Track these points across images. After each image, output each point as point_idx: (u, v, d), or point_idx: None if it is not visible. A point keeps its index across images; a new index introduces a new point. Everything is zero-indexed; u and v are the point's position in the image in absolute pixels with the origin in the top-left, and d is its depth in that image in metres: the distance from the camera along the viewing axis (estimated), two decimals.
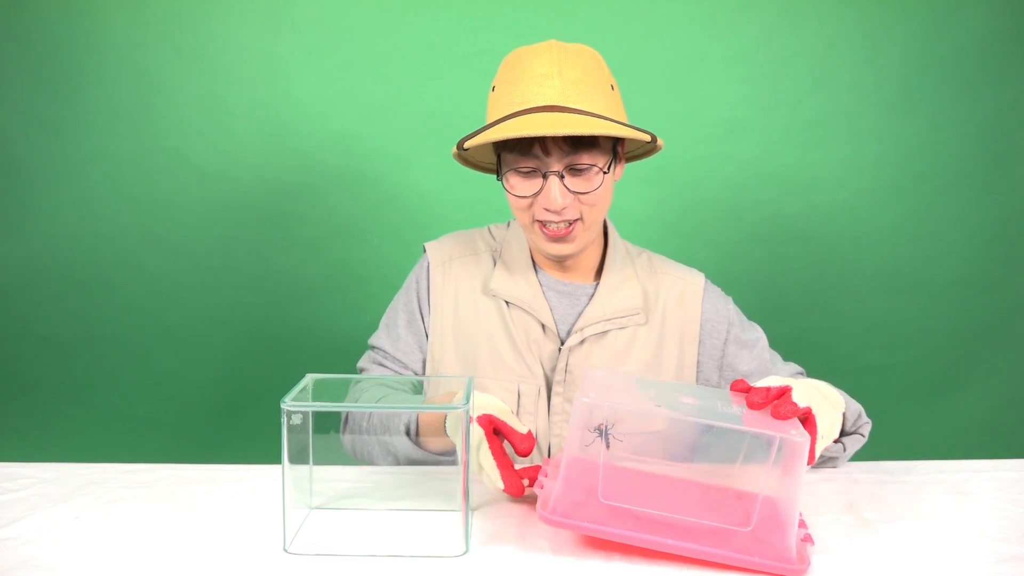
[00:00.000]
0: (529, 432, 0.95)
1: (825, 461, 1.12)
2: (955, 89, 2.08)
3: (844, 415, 1.08)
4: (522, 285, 1.24)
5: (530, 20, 2.05)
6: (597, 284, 1.27)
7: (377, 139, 2.08)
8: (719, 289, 1.31)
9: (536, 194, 1.13)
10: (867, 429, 1.15)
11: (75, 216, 2.08)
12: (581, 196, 1.13)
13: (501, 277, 1.25)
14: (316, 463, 1.11)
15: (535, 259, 1.27)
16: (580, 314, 1.24)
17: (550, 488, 0.87)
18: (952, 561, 0.85)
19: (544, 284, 1.26)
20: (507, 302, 1.24)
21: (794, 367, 1.30)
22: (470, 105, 2.00)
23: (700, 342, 1.27)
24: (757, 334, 1.29)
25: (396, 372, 1.27)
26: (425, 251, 1.32)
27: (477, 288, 1.27)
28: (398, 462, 1.14)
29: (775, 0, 2.06)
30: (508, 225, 1.34)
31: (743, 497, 0.88)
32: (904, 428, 2.15)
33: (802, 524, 0.88)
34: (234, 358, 2.15)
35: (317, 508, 0.98)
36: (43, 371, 2.13)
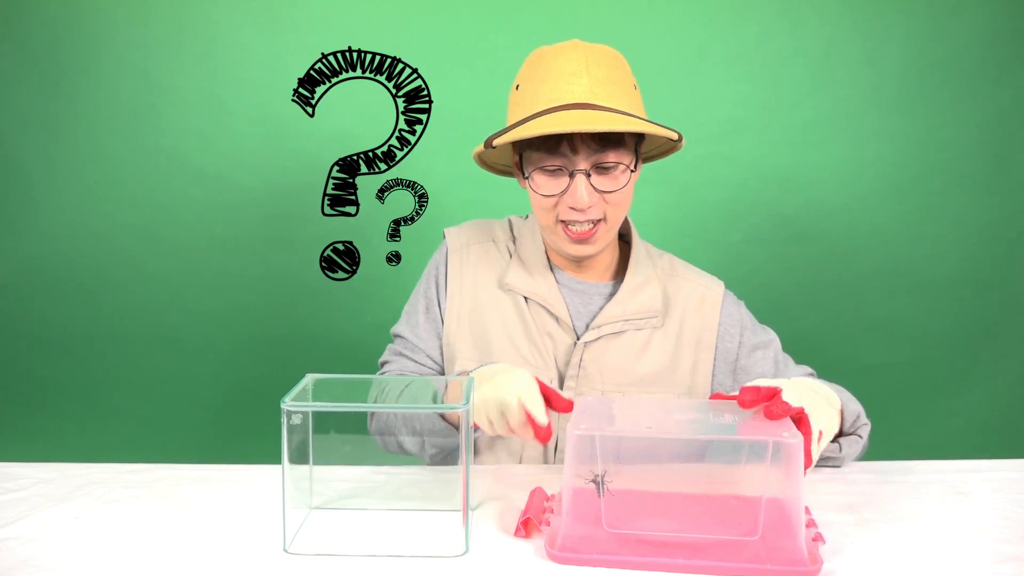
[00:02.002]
0: (570, 401, 0.96)
1: (825, 461, 1.12)
2: (955, 89, 2.07)
3: (842, 414, 1.08)
4: (538, 281, 1.24)
5: (530, 21, 2.05)
6: (615, 283, 1.27)
7: (377, 139, 2.08)
8: (734, 295, 1.32)
9: (562, 193, 1.13)
10: (866, 431, 1.14)
11: (75, 216, 2.08)
12: (606, 195, 1.13)
13: (517, 273, 1.25)
14: (316, 463, 1.11)
15: (550, 257, 1.27)
16: (599, 311, 1.24)
17: (556, 524, 0.87)
18: (952, 561, 0.85)
19: (559, 282, 1.26)
20: (525, 298, 1.25)
21: (806, 369, 1.30)
22: (471, 106, 2.01)
23: (715, 347, 1.27)
24: (769, 337, 1.30)
25: (416, 362, 1.27)
26: (444, 240, 1.32)
27: (494, 281, 1.27)
28: (422, 445, 1.15)
29: (775, 0, 2.06)
30: (527, 218, 1.33)
31: (747, 503, 0.88)
32: (904, 428, 2.15)
33: (812, 523, 0.88)
34: (234, 358, 2.15)
35: (317, 508, 0.98)
36: (43, 371, 2.13)
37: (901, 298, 2.16)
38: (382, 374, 1.28)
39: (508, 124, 1.15)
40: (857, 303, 2.16)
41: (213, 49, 2.05)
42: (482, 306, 1.26)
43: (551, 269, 1.26)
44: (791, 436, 0.82)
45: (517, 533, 0.90)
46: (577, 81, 1.10)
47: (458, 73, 2.06)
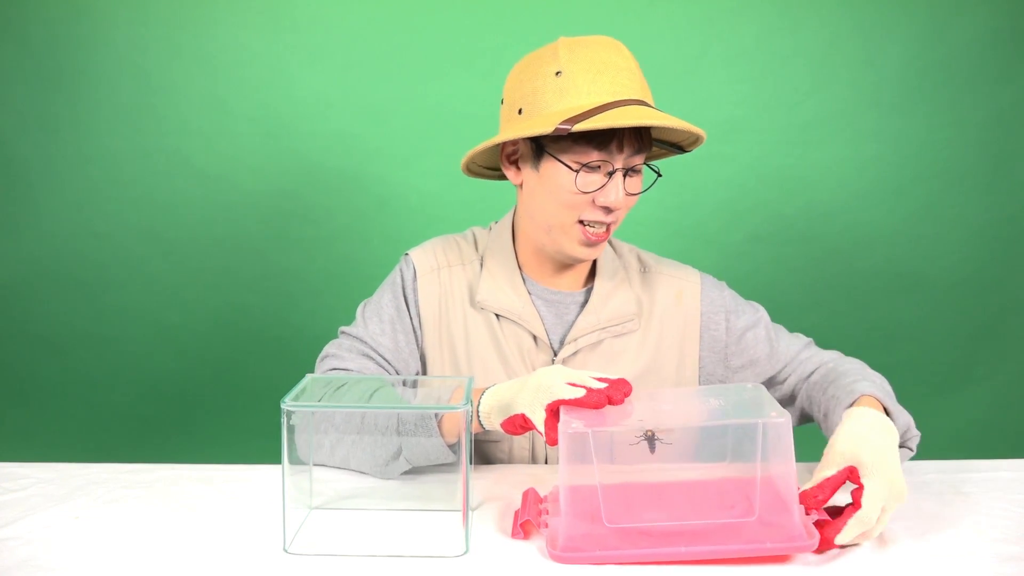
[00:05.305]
0: (589, 391, 0.90)
1: None
2: (955, 89, 2.08)
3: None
4: (511, 296, 1.21)
5: (530, 20, 2.05)
6: (586, 291, 1.24)
7: (377, 139, 2.08)
8: (712, 278, 1.29)
9: (595, 190, 1.10)
10: (915, 442, 1.09)
11: (75, 216, 2.08)
12: (629, 198, 1.12)
13: (488, 288, 1.21)
14: (316, 463, 1.11)
15: (522, 267, 1.24)
16: (572, 324, 1.21)
17: (555, 525, 0.87)
18: (952, 561, 0.85)
19: (532, 293, 1.23)
20: (496, 315, 1.21)
21: (801, 340, 1.27)
22: (471, 105, 2.01)
23: (700, 338, 1.25)
24: (758, 315, 1.27)
25: (381, 367, 1.20)
26: (410, 258, 1.26)
27: (465, 300, 1.23)
28: (387, 463, 1.07)
29: (775, 0, 2.06)
30: (490, 229, 1.29)
31: (742, 484, 0.88)
32: None
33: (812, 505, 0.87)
34: (234, 358, 2.15)
35: (317, 508, 0.98)
36: (43, 371, 2.13)
37: (901, 298, 2.16)
38: (331, 370, 1.18)
39: (548, 111, 1.09)
40: (857, 303, 2.16)
41: (213, 49, 2.05)
42: (455, 331, 1.22)
43: (523, 281, 1.23)
44: (778, 415, 0.83)
45: (515, 535, 0.90)
46: (630, 77, 1.11)
47: (458, 73, 2.06)
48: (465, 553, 0.86)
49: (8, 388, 2.13)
